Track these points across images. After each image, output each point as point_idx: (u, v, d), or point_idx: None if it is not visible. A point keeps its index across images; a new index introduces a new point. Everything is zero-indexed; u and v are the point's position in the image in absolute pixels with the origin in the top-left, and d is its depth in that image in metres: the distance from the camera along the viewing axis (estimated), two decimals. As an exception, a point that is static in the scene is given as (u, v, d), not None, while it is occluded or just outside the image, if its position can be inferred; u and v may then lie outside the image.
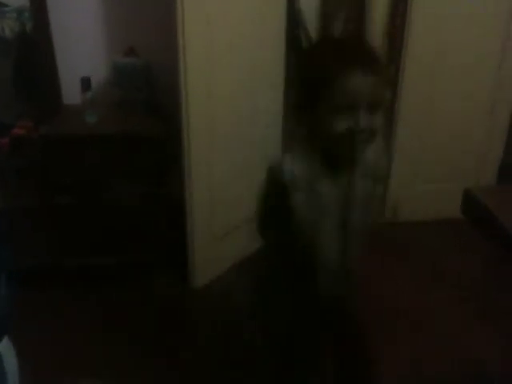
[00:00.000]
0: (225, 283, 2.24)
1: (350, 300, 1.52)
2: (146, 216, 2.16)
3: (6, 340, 1.29)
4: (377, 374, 1.56)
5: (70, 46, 2.22)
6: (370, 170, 1.23)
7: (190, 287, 2.21)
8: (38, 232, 2.18)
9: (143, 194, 2.14)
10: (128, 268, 2.23)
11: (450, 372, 1.82)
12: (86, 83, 2.10)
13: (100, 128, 2.11)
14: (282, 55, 2.23)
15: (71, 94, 2.21)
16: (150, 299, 2.16)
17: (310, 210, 1.21)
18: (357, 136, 1.09)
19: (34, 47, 2.12)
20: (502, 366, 1.84)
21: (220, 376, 1.80)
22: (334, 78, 1.07)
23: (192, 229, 2.12)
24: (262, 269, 1.49)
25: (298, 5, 2.28)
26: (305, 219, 1.22)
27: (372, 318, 2.02)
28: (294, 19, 2.28)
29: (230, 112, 2.09)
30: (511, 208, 1.39)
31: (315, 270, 1.31)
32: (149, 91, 2.24)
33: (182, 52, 1.85)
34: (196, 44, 1.87)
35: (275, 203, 1.24)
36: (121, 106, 2.23)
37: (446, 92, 2.46)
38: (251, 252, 2.18)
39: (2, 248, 1.25)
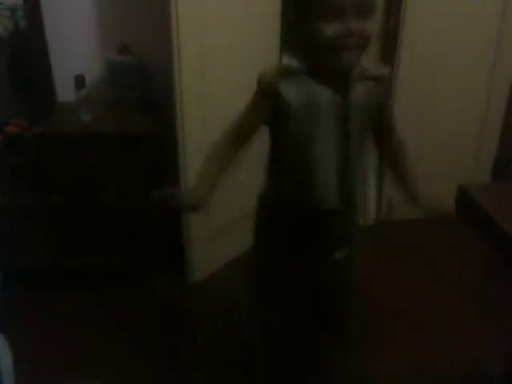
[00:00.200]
0: (222, 279, 2.24)
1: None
2: (143, 214, 2.16)
3: (1, 339, 1.29)
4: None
5: (63, 44, 2.21)
6: (367, 83, 1.20)
7: (187, 284, 2.21)
8: (36, 232, 2.17)
9: (139, 192, 2.13)
10: (126, 267, 2.23)
11: (449, 372, 1.82)
12: (79, 81, 2.09)
13: (94, 126, 2.09)
14: (277, 54, 2.23)
15: (65, 91, 2.20)
16: (149, 298, 2.16)
17: (307, 122, 1.19)
18: (347, 43, 1.08)
19: (28, 45, 2.11)
20: (502, 366, 1.84)
21: (220, 375, 1.79)
22: None
23: (189, 225, 2.13)
24: (257, 262, 1.47)
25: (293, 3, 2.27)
26: (301, 131, 1.20)
27: (372, 318, 2.04)
28: (288, 19, 2.27)
29: (225, 111, 2.07)
30: (505, 205, 1.40)
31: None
32: (143, 89, 2.24)
33: (177, 51, 1.84)
34: (190, 43, 1.87)
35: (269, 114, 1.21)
36: (115, 104, 2.22)
37: (441, 90, 2.47)
38: (248, 248, 2.18)
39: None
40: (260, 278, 1.47)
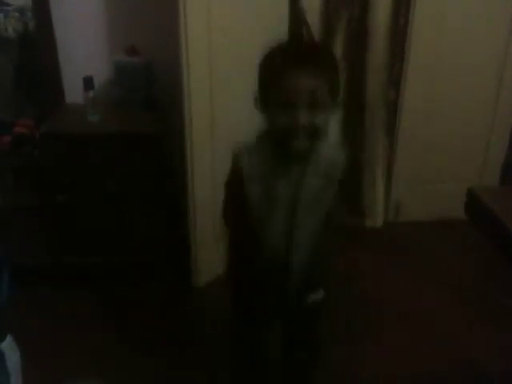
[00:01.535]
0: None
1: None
2: (148, 215, 2.16)
3: (8, 339, 1.29)
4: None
5: (72, 45, 2.22)
6: (321, 169, 1.27)
7: (192, 286, 2.21)
8: (39, 231, 2.18)
9: (145, 192, 2.14)
10: (129, 268, 2.23)
11: (449, 372, 1.82)
12: (88, 82, 2.10)
13: (101, 127, 2.10)
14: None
15: (74, 93, 2.22)
16: (152, 299, 2.16)
17: (261, 203, 1.28)
18: (297, 133, 1.16)
19: (37, 46, 2.12)
20: (502, 366, 1.84)
21: (223, 375, 1.79)
22: (279, 76, 1.16)
23: (195, 228, 2.12)
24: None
25: (301, 4, 2.27)
26: (256, 211, 1.29)
27: (372, 319, 2.04)
28: (296, 18, 2.27)
29: (233, 111, 2.08)
30: (513, 208, 1.39)
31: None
32: (150, 90, 2.24)
33: (185, 51, 1.85)
34: (199, 43, 1.87)
35: (235, 190, 1.32)
36: (123, 105, 2.23)
37: (449, 92, 2.46)
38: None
39: (3, 247, 1.25)
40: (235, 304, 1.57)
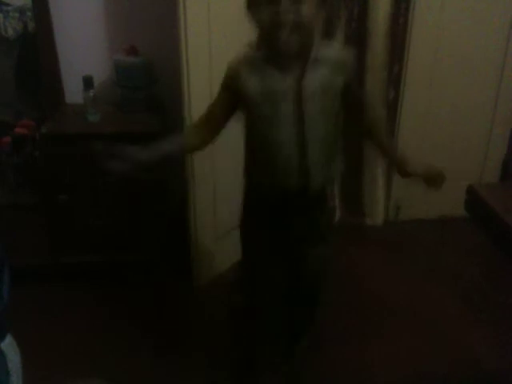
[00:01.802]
0: (228, 281, 2.24)
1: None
2: (149, 215, 2.16)
3: (9, 338, 1.29)
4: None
5: (72, 46, 2.23)
6: (325, 66, 1.29)
7: (192, 285, 2.21)
8: (39, 230, 2.18)
9: (146, 192, 2.14)
10: (129, 267, 2.23)
11: (450, 372, 1.82)
12: (88, 82, 2.10)
13: (101, 127, 2.11)
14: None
15: (74, 93, 2.22)
16: (152, 298, 2.16)
17: (264, 100, 1.29)
18: (282, 28, 1.19)
19: (37, 46, 2.12)
20: (501, 366, 1.83)
21: (223, 375, 1.79)
22: None
23: (195, 227, 2.12)
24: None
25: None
26: (259, 108, 1.30)
27: (371, 318, 2.03)
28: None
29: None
30: (513, 205, 1.39)
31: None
32: (151, 90, 2.25)
33: (185, 51, 1.85)
34: (199, 43, 1.87)
35: (233, 87, 1.33)
36: (123, 105, 2.23)
37: (449, 91, 2.46)
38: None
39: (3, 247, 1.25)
40: (244, 255, 1.59)
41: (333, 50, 1.36)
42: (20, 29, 2.17)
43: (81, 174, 2.11)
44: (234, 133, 2.09)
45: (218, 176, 2.12)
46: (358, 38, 2.36)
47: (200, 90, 1.93)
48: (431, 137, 2.51)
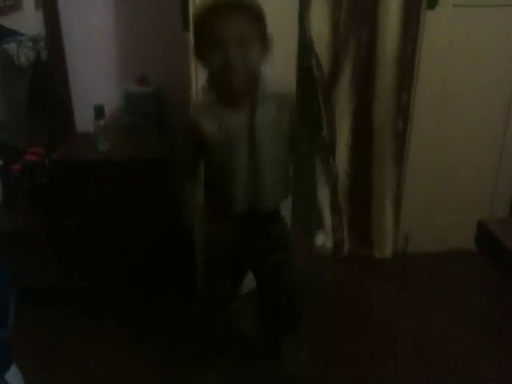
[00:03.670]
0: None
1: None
2: (160, 241, 2.18)
3: (13, 368, 1.29)
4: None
5: (83, 74, 2.26)
6: (271, 104, 1.41)
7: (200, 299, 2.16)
8: (48, 255, 2.20)
9: (156, 218, 2.14)
10: (140, 287, 2.24)
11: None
12: (99, 111, 2.12)
13: (110, 154, 2.13)
14: (293, 83, 2.24)
15: (85, 121, 2.24)
16: (162, 312, 2.15)
17: (221, 139, 1.39)
18: (231, 69, 1.30)
19: (49, 75, 2.15)
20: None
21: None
22: (208, 18, 1.31)
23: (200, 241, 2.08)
24: None
25: (310, 32, 2.29)
26: (218, 148, 1.41)
27: (374, 345, 2.01)
28: (305, 47, 2.29)
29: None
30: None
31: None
32: (161, 116, 2.26)
33: (194, 78, 1.85)
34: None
35: (192, 135, 1.44)
36: (133, 133, 2.25)
37: (458, 122, 2.44)
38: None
39: (9, 271, 1.25)
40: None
41: (276, 90, 1.46)
42: (33, 57, 2.21)
43: (90, 201, 2.13)
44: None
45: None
46: (366, 66, 2.36)
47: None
48: (440, 168, 2.49)
